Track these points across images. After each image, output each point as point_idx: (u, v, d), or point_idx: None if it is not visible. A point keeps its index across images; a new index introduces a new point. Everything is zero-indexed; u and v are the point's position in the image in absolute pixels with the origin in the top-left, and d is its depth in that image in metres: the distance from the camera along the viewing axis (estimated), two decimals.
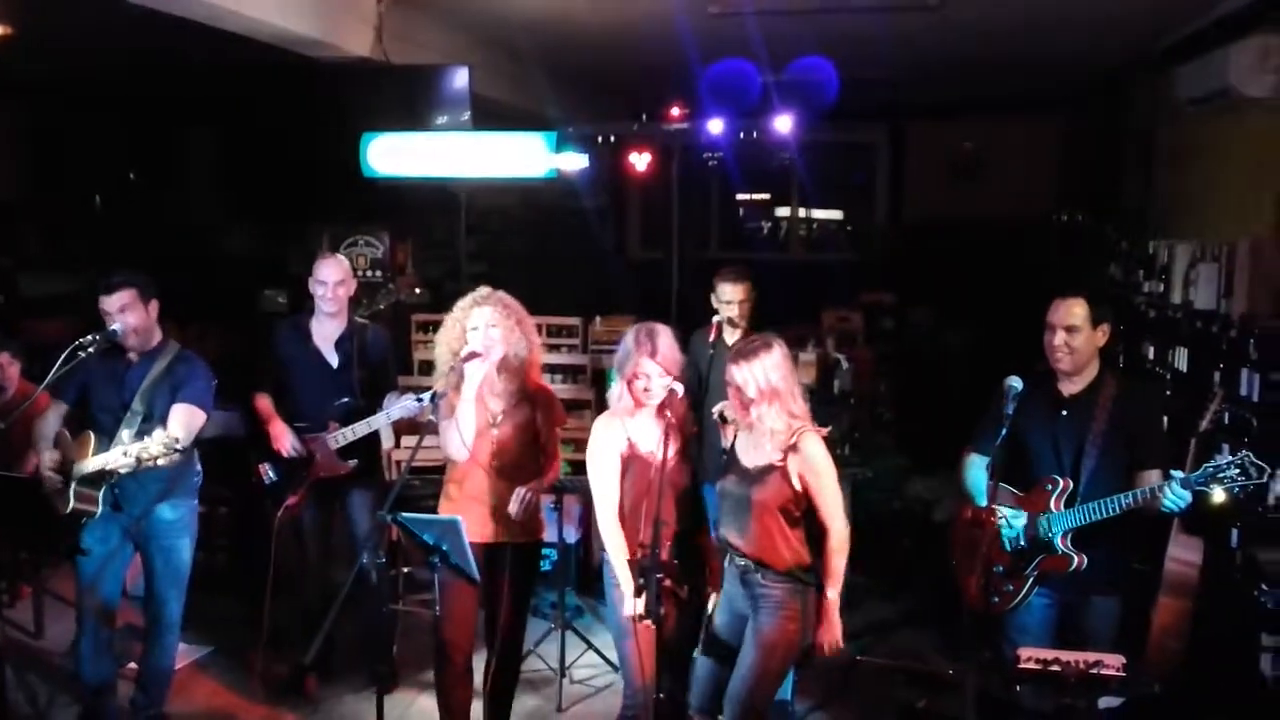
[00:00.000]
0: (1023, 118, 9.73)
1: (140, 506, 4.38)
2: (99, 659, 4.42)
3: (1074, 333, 3.68)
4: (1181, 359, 5.58)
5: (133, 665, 4.75)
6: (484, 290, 4.16)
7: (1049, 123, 9.74)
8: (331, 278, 4.88)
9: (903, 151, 10.64)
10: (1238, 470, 3.32)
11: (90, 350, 4.15)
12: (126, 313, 4.29)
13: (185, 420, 4.33)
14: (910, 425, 7.47)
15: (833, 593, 3.58)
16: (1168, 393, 5.67)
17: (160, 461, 4.04)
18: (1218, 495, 3.42)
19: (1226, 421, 4.77)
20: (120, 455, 4.05)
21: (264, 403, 4.97)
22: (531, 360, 4.15)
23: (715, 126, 5.75)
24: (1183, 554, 4.37)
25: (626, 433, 3.72)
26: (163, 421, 4.27)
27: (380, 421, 4.82)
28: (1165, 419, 4.97)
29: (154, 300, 4.40)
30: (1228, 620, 4.35)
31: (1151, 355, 6.10)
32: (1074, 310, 3.69)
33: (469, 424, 3.95)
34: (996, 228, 9.41)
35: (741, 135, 5.81)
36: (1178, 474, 3.44)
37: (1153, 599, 4.37)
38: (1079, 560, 3.63)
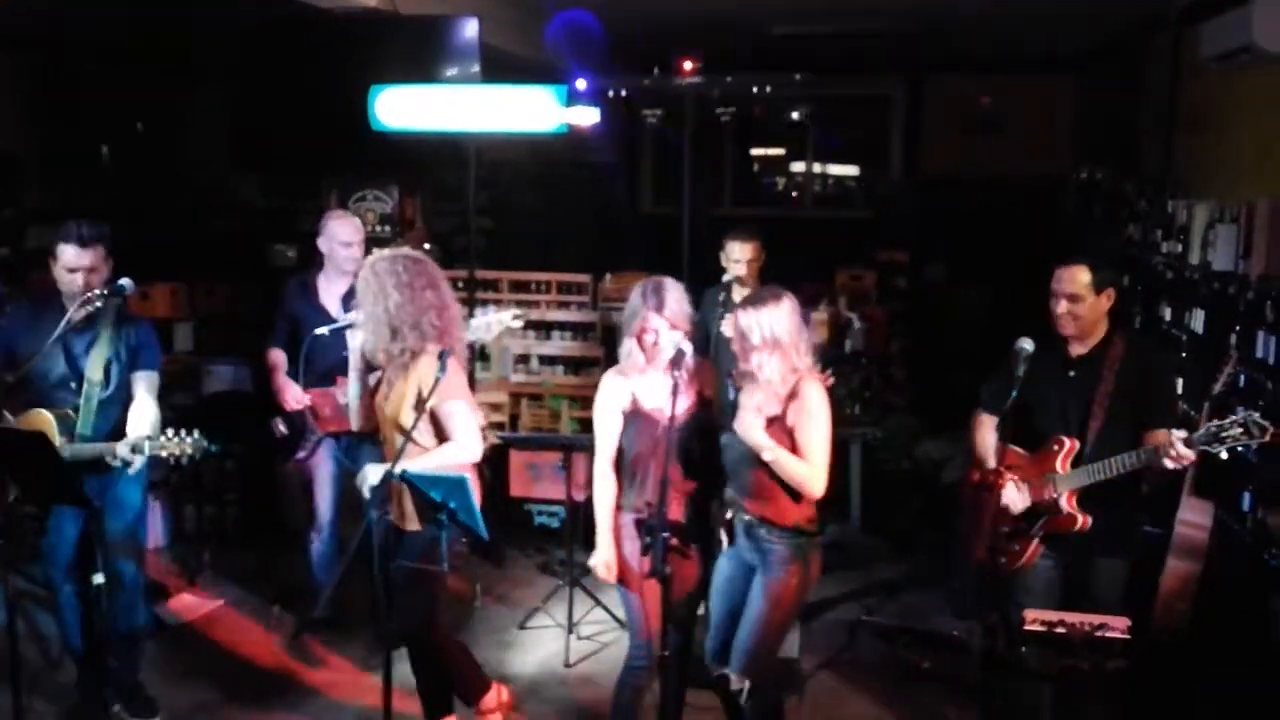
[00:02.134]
0: (1042, 73, 9.56)
1: (90, 477, 4.04)
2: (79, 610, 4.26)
3: (1077, 301, 3.66)
4: (1198, 321, 5.51)
5: None
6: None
7: (1069, 79, 9.58)
8: (354, 238, 4.92)
9: (919, 106, 10.48)
10: (1241, 430, 3.29)
11: (98, 305, 3.95)
12: (93, 273, 3.98)
13: (152, 387, 4.15)
14: (922, 385, 7.43)
15: (767, 445, 3.47)
16: (1183, 355, 5.62)
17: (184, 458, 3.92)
18: (1222, 455, 3.39)
19: (1242, 384, 4.73)
20: (128, 451, 3.85)
21: (274, 357, 5.00)
22: None
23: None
24: (1192, 517, 4.36)
25: (631, 388, 3.71)
26: (123, 392, 4.08)
27: None
28: (1179, 380, 4.93)
29: (110, 258, 4.08)
30: (1238, 584, 4.33)
31: (1168, 316, 6.04)
32: (1077, 278, 3.66)
33: None
34: (1013, 185, 9.29)
35: (754, 90, 5.71)
36: (1179, 433, 3.41)
37: (1161, 562, 4.37)
38: (1083, 520, 3.61)
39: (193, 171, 9.69)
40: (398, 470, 3.52)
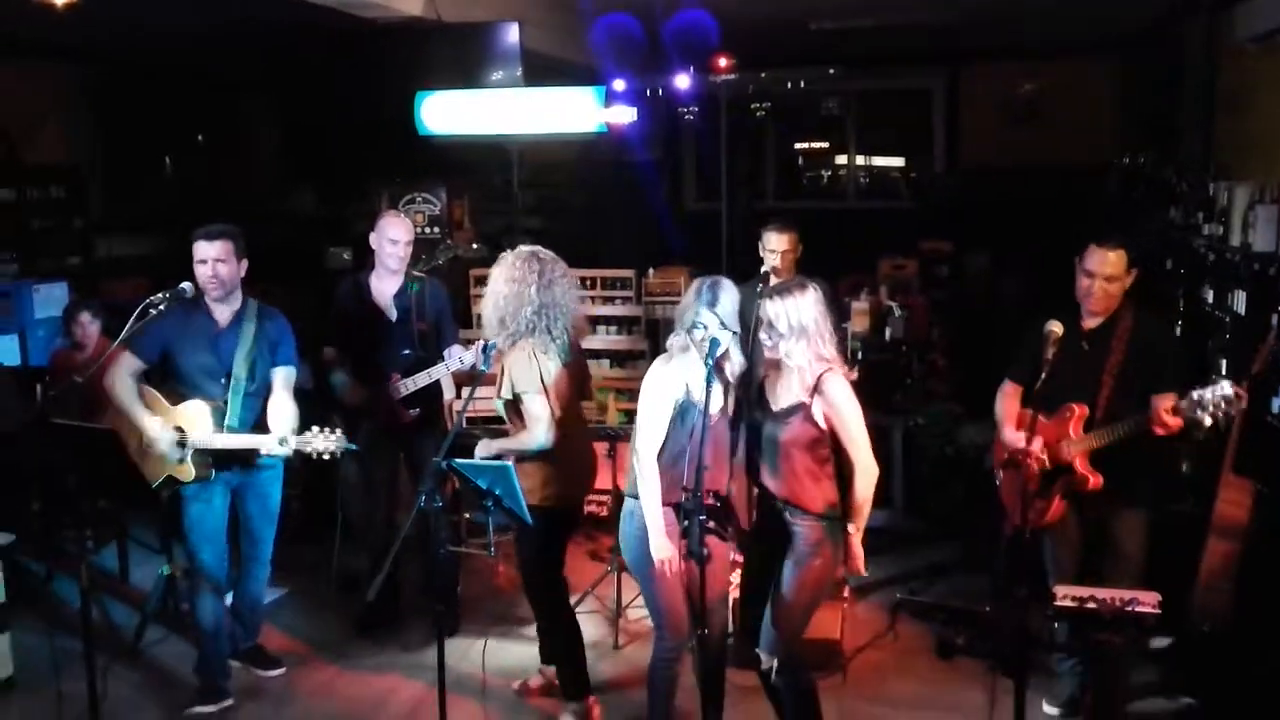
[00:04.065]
0: (1080, 60, 9.51)
1: (240, 465, 4.48)
2: (214, 581, 4.51)
3: (1113, 281, 3.91)
4: (1240, 302, 5.51)
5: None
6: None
7: (1107, 65, 9.51)
8: (403, 237, 5.07)
9: (959, 97, 10.47)
10: (1221, 400, 3.56)
11: (161, 308, 4.04)
12: (221, 263, 4.31)
13: (289, 383, 4.46)
14: (965, 372, 7.46)
15: (854, 528, 3.64)
16: (1226, 336, 5.62)
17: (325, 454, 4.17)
18: (1206, 421, 3.63)
19: None
20: (275, 444, 4.17)
21: (329, 354, 5.19)
22: None
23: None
24: (1232, 495, 4.39)
25: (686, 380, 3.73)
26: (265, 385, 4.40)
27: (440, 372, 5.00)
28: (1223, 360, 4.94)
29: (245, 259, 4.43)
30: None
31: (1211, 299, 6.03)
32: (1119, 260, 3.91)
33: None
34: (1054, 173, 9.26)
35: (789, 86, 5.81)
36: (1166, 402, 3.69)
37: (1202, 542, 4.40)
38: (1095, 479, 3.91)
39: (250, 180, 10.00)
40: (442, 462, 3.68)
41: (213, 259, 4.31)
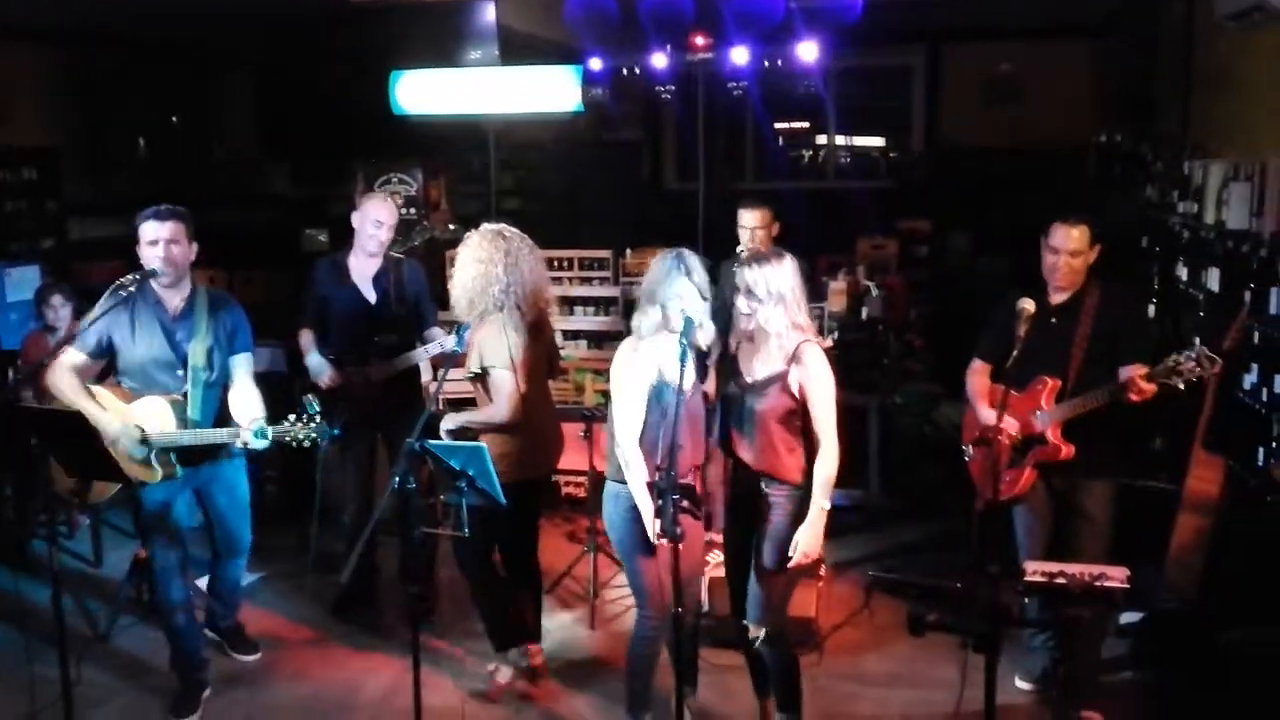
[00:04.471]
0: (1060, 40, 9.49)
1: (207, 459, 4.31)
2: (176, 582, 4.37)
3: (1078, 256, 4.00)
4: (1213, 279, 5.53)
5: (201, 582, 4.93)
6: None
7: (1087, 44, 9.50)
8: (387, 219, 5.03)
9: (939, 75, 10.45)
10: (1193, 363, 3.68)
11: (131, 289, 4.03)
12: (173, 244, 4.09)
13: (250, 370, 4.31)
14: (943, 352, 7.48)
15: (822, 502, 3.62)
16: (1200, 314, 5.65)
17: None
18: (1180, 385, 3.74)
19: (1256, 341, 4.77)
20: (252, 436, 3.95)
21: (304, 338, 5.15)
22: None
23: (739, 56, 5.72)
24: (1203, 472, 4.43)
25: (657, 362, 3.74)
26: (224, 375, 4.23)
27: (420, 356, 4.98)
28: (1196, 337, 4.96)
29: (195, 243, 4.22)
30: (1251, 538, 4.38)
31: (1185, 276, 6.06)
32: (1082, 236, 4.00)
33: None
34: (1034, 153, 9.25)
35: (766, 64, 5.79)
36: (1140, 369, 3.78)
37: (1173, 517, 4.44)
38: (1066, 450, 4.00)
39: (225, 162, 9.91)
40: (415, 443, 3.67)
41: (165, 240, 4.08)
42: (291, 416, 4.01)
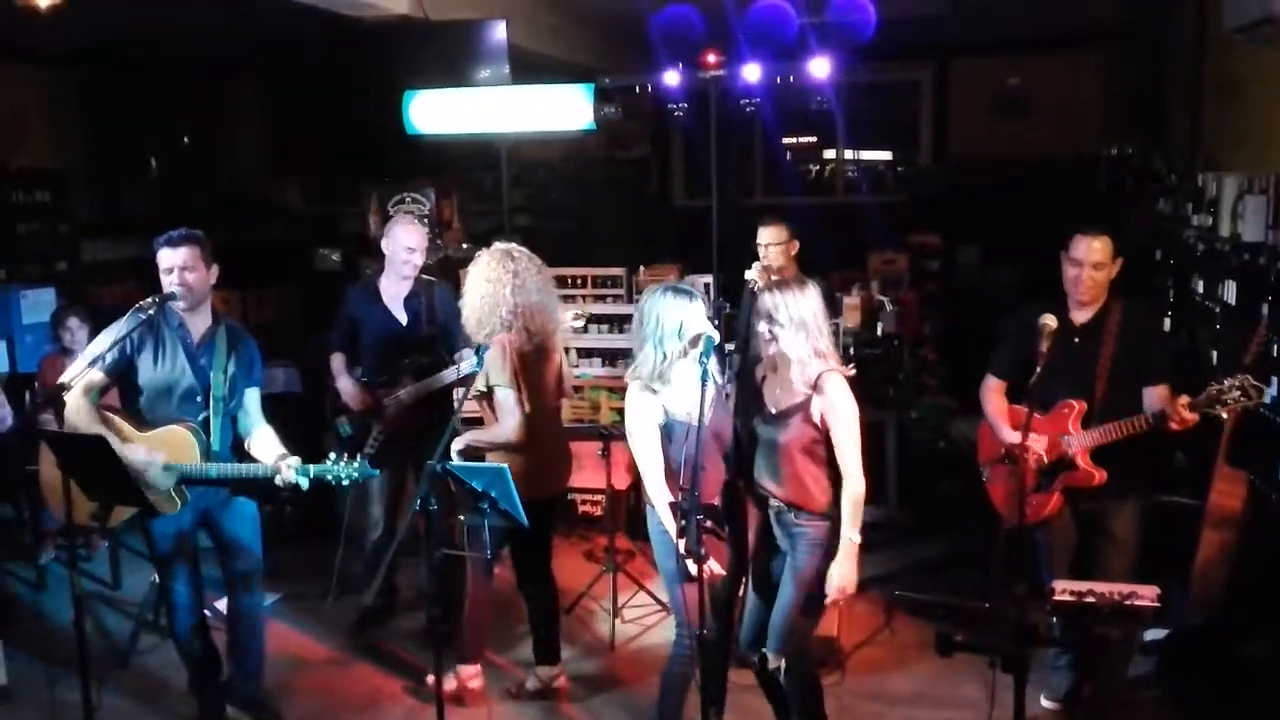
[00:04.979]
0: (1068, 52, 9.51)
1: (217, 496, 4.21)
2: (190, 612, 4.28)
3: (1100, 269, 3.92)
4: (1230, 292, 5.52)
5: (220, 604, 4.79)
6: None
7: (1095, 56, 9.52)
8: (419, 245, 5.08)
9: (947, 90, 10.47)
10: (1239, 392, 3.60)
11: (150, 313, 3.95)
12: (188, 271, 3.99)
13: (259, 404, 4.24)
14: (956, 366, 7.46)
15: (852, 534, 3.58)
16: (1217, 326, 5.64)
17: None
18: (1223, 415, 3.71)
19: (1275, 354, 4.75)
20: (294, 475, 3.89)
21: (336, 361, 5.18)
22: None
23: (751, 73, 5.72)
24: (1226, 486, 4.41)
25: (661, 401, 3.73)
26: (240, 405, 4.16)
27: (450, 377, 4.99)
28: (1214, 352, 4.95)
29: (215, 265, 4.12)
30: (1273, 552, 4.36)
31: (1201, 289, 6.05)
32: (1105, 248, 3.92)
33: None
34: (1044, 165, 9.26)
35: (779, 80, 5.79)
36: (1183, 398, 3.69)
37: (1197, 532, 4.41)
38: (1100, 475, 3.90)
39: (237, 181, 9.95)
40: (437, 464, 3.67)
41: (179, 267, 3.98)
42: (333, 455, 3.95)
